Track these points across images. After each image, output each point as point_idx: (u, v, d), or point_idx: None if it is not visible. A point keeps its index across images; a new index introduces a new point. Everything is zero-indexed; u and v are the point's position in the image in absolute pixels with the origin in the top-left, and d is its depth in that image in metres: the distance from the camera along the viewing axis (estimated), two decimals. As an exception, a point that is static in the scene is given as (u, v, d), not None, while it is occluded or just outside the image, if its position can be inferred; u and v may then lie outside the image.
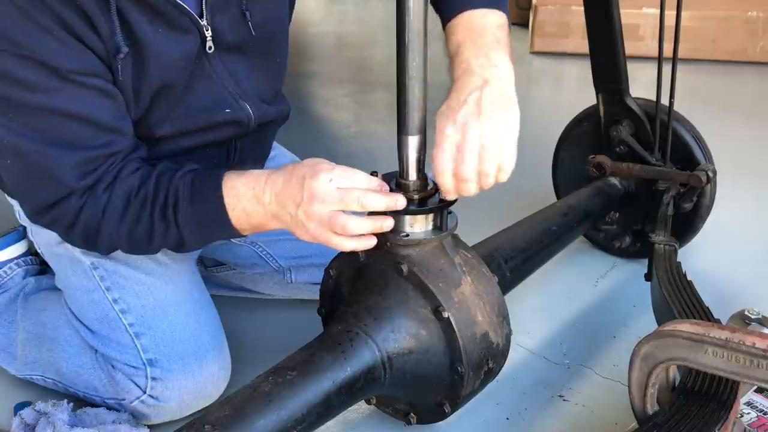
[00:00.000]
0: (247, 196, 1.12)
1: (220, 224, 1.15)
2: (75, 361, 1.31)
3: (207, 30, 1.18)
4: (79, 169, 1.11)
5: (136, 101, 1.16)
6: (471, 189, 1.10)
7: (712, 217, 1.76)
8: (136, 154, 1.18)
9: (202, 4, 1.17)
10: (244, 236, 1.20)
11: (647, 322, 1.42)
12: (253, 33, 1.24)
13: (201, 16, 1.17)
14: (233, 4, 1.21)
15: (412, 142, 1.13)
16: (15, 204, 1.38)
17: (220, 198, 1.13)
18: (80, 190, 1.12)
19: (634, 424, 1.11)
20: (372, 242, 1.10)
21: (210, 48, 1.20)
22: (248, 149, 1.37)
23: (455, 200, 1.14)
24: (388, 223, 1.10)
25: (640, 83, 1.86)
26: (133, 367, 1.25)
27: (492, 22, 1.18)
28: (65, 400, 1.28)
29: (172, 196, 1.14)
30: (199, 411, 1.28)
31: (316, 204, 1.07)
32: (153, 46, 1.12)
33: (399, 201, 1.10)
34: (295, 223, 1.11)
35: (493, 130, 1.08)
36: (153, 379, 1.24)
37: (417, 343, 1.15)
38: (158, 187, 1.14)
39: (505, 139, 1.09)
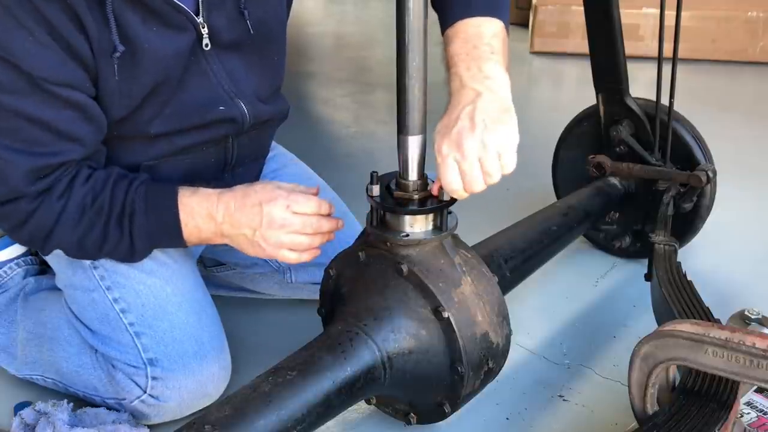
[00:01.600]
0: (201, 214, 1.20)
1: (171, 237, 1.22)
2: (75, 360, 1.31)
3: (203, 27, 1.18)
4: (32, 174, 1.12)
5: (129, 99, 1.16)
6: (479, 190, 1.12)
7: (712, 217, 1.76)
8: (92, 161, 1.19)
9: (198, 2, 1.17)
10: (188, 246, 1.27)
11: (647, 322, 1.42)
12: (251, 31, 1.24)
13: (197, 14, 1.17)
14: (230, 1, 1.21)
15: (412, 142, 1.13)
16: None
17: (176, 214, 1.20)
18: (31, 195, 1.14)
19: (634, 424, 1.11)
20: (317, 252, 1.24)
21: (207, 45, 1.20)
22: (246, 148, 1.37)
23: (455, 200, 1.15)
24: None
25: (640, 83, 1.86)
26: (134, 366, 1.25)
27: (487, 31, 1.18)
28: (65, 400, 1.28)
29: (128, 207, 1.18)
30: (199, 411, 1.28)
31: (275, 229, 1.19)
32: (145, 45, 1.12)
33: (339, 224, 1.25)
34: (249, 244, 1.22)
35: (489, 139, 1.08)
36: (153, 378, 1.24)
37: (417, 343, 1.15)
38: (114, 197, 1.18)
39: (503, 144, 1.09)
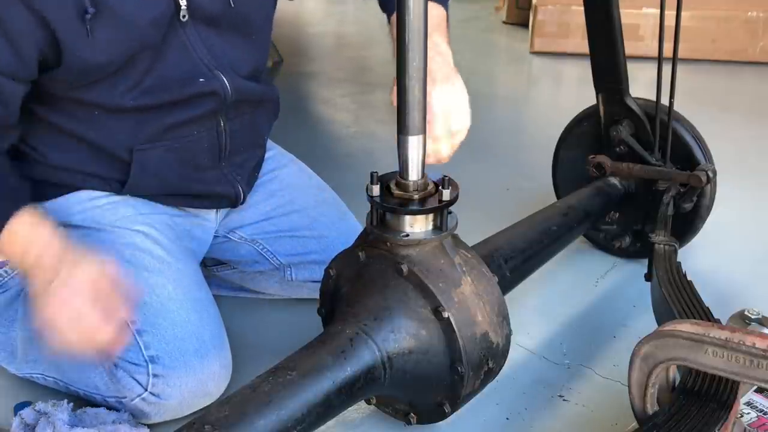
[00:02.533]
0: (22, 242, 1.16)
1: None
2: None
3: None
4: None
5: (106, 66, 1.17)
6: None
7: (712, 217, 1.76)
8: None
9: None
10: None
11: (647, 322, 1.42)
12: (232, 5, 1.26)
13: None
14: None
15: (412, 142, 1.13)
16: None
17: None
18: None
19: (634, 424, 1.11)
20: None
21: (184, 17, 1.21)
22: (238, 133, 1.38)
23: (455, 200, 1.15)
24: None
25: (640, 83, 1.86)
26: (135, 364, 1.25)
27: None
28: (65, 400, 1.28)
29: None
30: (199, 410, 1.28)
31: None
32: (121, 8, 1.13)
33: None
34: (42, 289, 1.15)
35: None
36: (155, 376, 1.24)
37: (417, 343, 1.15)
38: None
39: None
